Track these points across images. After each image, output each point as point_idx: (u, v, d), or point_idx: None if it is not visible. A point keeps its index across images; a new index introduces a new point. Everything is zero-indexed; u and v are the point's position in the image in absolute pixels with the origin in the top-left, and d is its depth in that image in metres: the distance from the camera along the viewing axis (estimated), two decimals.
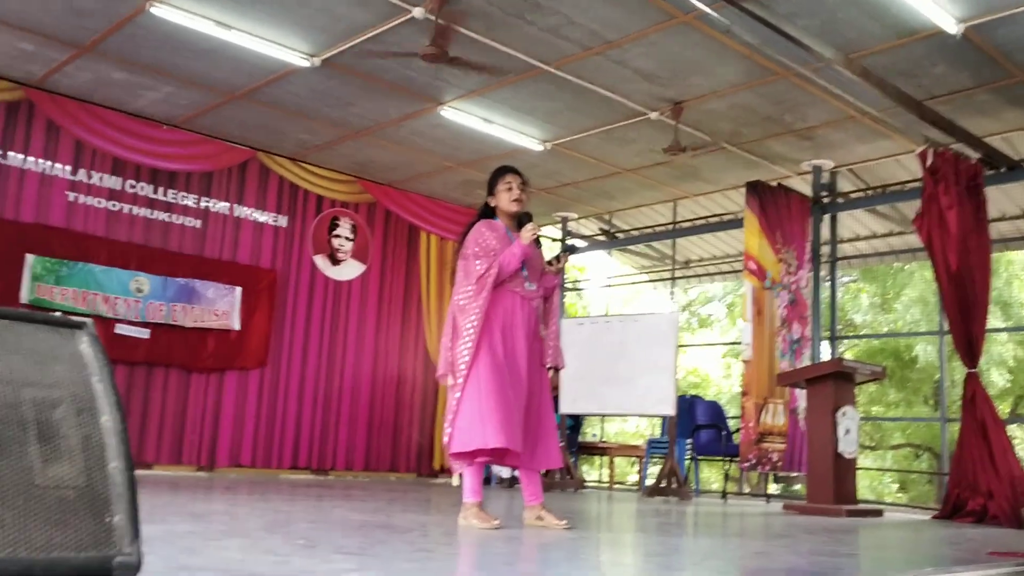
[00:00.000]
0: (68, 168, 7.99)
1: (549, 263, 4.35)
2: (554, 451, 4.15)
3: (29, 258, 7.57)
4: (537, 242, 4.23)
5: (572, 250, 4.51)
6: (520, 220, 4.28)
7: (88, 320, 1.60)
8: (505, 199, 4.28)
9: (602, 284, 12.27)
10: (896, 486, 17.62)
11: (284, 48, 6.83)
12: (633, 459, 13.07)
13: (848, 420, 6.63)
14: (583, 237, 11.57)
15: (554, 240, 11.32)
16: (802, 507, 6.74)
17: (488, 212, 4.35)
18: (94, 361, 1.54)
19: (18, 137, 7.76)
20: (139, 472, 6.53)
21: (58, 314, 1.55)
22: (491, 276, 4.07)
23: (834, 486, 6.51)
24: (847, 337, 16.64)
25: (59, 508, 1.36)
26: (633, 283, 14.23)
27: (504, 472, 9.05)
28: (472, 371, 3.97)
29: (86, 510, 1.39)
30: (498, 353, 4.02)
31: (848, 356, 15.86)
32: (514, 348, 4.09)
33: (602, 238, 11.35)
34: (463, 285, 4.13)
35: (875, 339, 16.95)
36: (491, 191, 4.35)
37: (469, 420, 3.91)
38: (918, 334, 15.53)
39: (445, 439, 4.01)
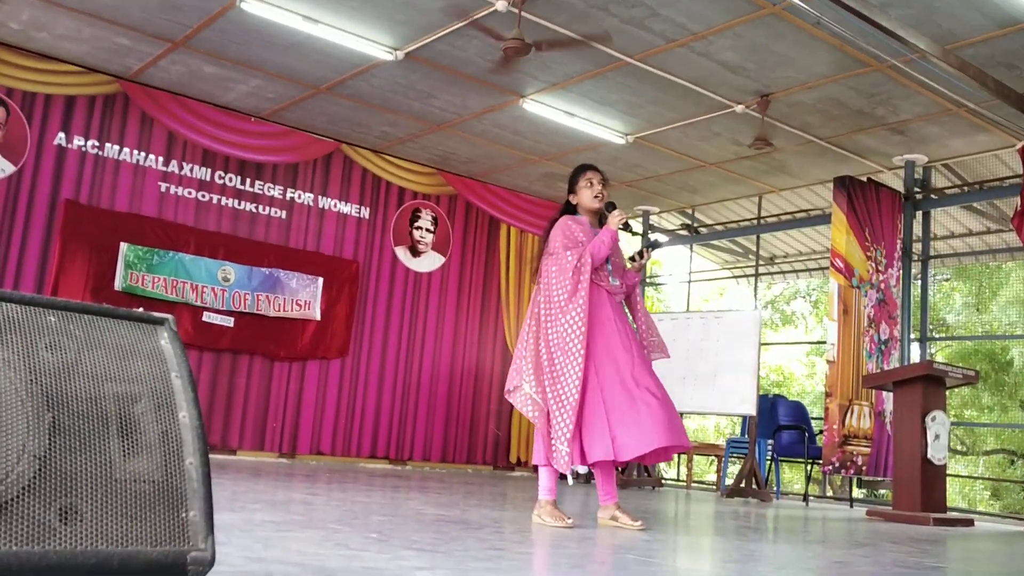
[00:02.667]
0: (161, 159, 8.24)
1: (631, 259, 4.29)
2: (675, 436, 3.94)
3: (123, 247, 7.84)
4: (627, 227, 4.17)
5: (655, 245, 4.41)
6: (603, 214, 4.25)
7: (169, 316, 1.63)
8: (587, 196, 4.27)
9: (683, 280, 12.11)
10: (988, 493, 17.00)
11: (368, 42, 6.91)
12: (712, 458, 12.89)
13: (938, 425, 6.41)
14: (665, 231, 11.44)
15: (635, 235, 11.22)
16: (887, 514, 6.55)
17: (569, 210, 4.33)
18: (173, 357, 1.57)
19: (114, 129, 8.03)
20: (223, 457, 6.72)
21: (140, 309, 1.59)
22: (586, 265, 4.00)
23: (921, 493, 6.31)
24: (939, 338, 16.09)
25: (136, 502, 1.39)
26: (715, 279, 14.01)
27: (582, 468, 9.00)
28: (589, 377, 3.90)
29: (162, 505, 1.42)
30: (610, 355, 3.97)
31: (939, 358, 15.37)
32: (611, 343, 4.01)
33: (684, 233, 11.20)
34: (557, 284, 4.01)
35: (968, 340, 16.36)
36: (572, 189, 4.34)
37: (599, 429, 3.85)
38: (1015, 337, 14.92)
39: (555, 446, 3.86)
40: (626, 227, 4.16)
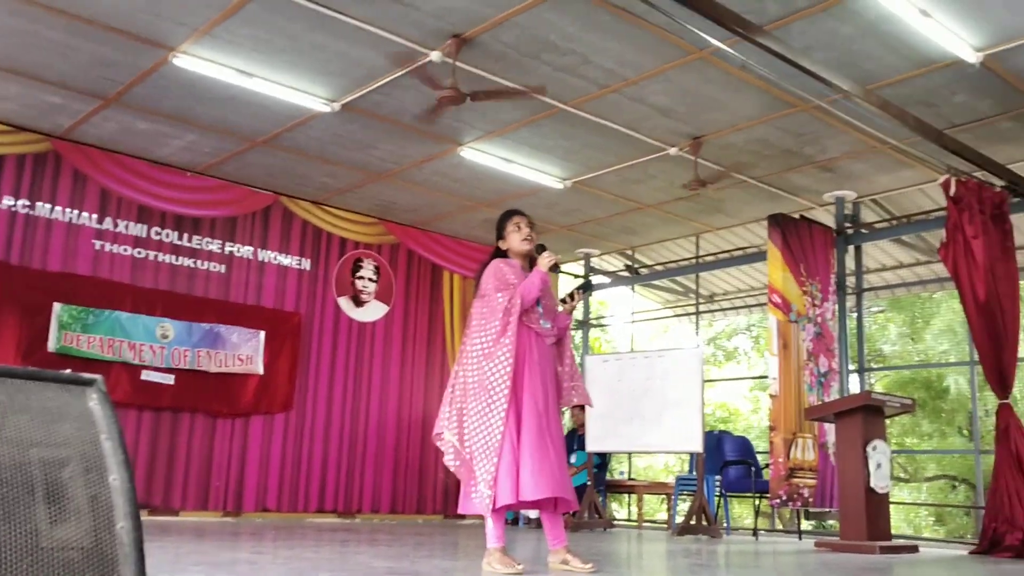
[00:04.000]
0: (94, 217, 8.10)
1: (563, 300, 4.31)
2: (572, 493, 4.09)
3: (56, 307, 7.65)
4: (556, 268, 4.18)
5: (588, 287, 4.40)
6: (533, 257, 4.27)
7: (98, 377, 1.59)
8: (516, 239, 4.28)
9: (626, 320, 12.20)
10: (933, 519, 17.26)
11: (304, 94, 6.91)
12: (662, 496, 12.90)
13: (879, 454, 6.51)
14: (606, 273, 11.55)
15: (575, 277, 11.30)
16: (834, 544, 6.61)
17: (499, 255, 4.34)
18: (103, 419, 1.53)
19: (45, 188, 7.88)
20: (166, 519, 6.53)
21: (68, 371, 1.55)
22: (515, 307, 4.01)
23: (867, 522, 6.37)
24: (876, 369, 16.41)
25: (65, 570, 1.34)
26: (658, 318, 14.15)
27: (532, 513, 8.95)
28: (508, 419, 3.90)
29: (93, 572, 1.37)
30: (532, 397, 3.98)
31: (878, 388, 15.66)
32: (534, 387, 4.02)
33: (625, 273, 11.32)
34: (484, 327, 4.05)
35: (905, 370, 16.72)
36: (500, 234, 4.35)
37: (511, 471, 3.85)
38: (949, 365, 15.30)
39: (478, 491, 3.88)
40: (555, 268, 4.17)
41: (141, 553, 1.41)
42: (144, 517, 7.63)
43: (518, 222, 4.29)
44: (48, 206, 7.87)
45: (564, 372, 4.27)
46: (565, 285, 10.97)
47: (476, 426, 3.95)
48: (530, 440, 3.90)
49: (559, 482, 3.94)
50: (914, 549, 6.92)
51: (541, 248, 4.22)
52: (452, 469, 4.01)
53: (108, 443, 1.49)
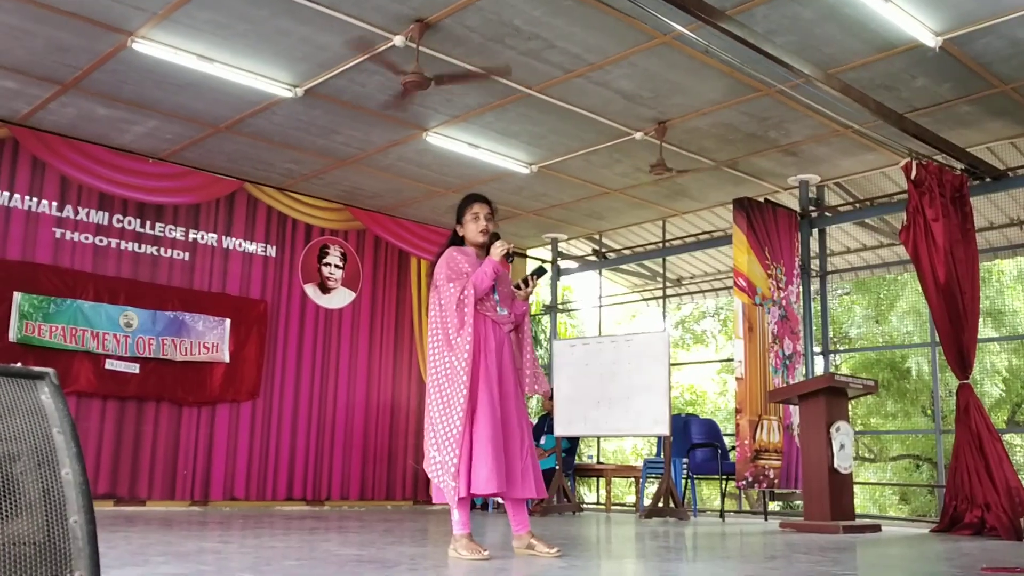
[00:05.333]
0: (54, 204, 7.98)
1: (517, 287, 4.28)
2: (539, 480, 4.11)
3: (17, 296, 7.54)
4: (509, 257, 4.17)
5: (541, 272, 4.39)
6: (488, 245, 4.24)
7: (50, 370, 1.58)
8: (472, 229, 4.25)
9: (594, 304, 12.25)
10: (897, 498, 17.55)
11: (267, 79, 6.84)
12: (631, 480, 13.00)
13: (842, 435, 6.61)
14: (574, 257, 11.57)
15: (543, 262, 11.32)
16: (799, 525, 6.71)
17: (457, 241, 4.33)
18: (55, 412, 1.52)
19: (3, 175, 7.75)
20: (132, 509, 6.48)
21: (19, 364, 1.54)
22: (469, 298, 4.01)
23: (830, 502, 6.48)
24: (841, 351, 16.62)
25: (17, 566, 1.33)
26: (625, 303, 14.21)
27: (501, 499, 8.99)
28: (467, 410, 3.91)
29: (45, 567, 1.36)
30: (487, 387, 3.99)
31: (844, 369, 15.87)
32: (490, 377, 4.03)
33: (593, 258, 11.35)
34: (443, 319, 4.06)
35: (870, 351, 16.94)
36: (459, 219, 4.32)
37: (472, 462, 3.88)
38: (910, 346, 15.51)
39: (443, 481, 3.92)
40: (508, 257, 4.15)
41: (95, 547, 1.41)
42: (110, 507, 7.62)
43: (477, 212, 4.25)
44: (7, 194, 7.74)
45: (525, 361, 4.28)
46: (528, 268, 10.99)
47: (439, 417, 3.97)
48: (483, 433, 3.92)
49: (514, 475, 3.97)
50: (877, 528, 7.04)
51: (495, 236, 4.20)
52: (431, 477, 4.03)
53: (60, 436, 1.49)
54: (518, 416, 4.12)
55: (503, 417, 4.02)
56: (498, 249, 4.12)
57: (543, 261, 11.33)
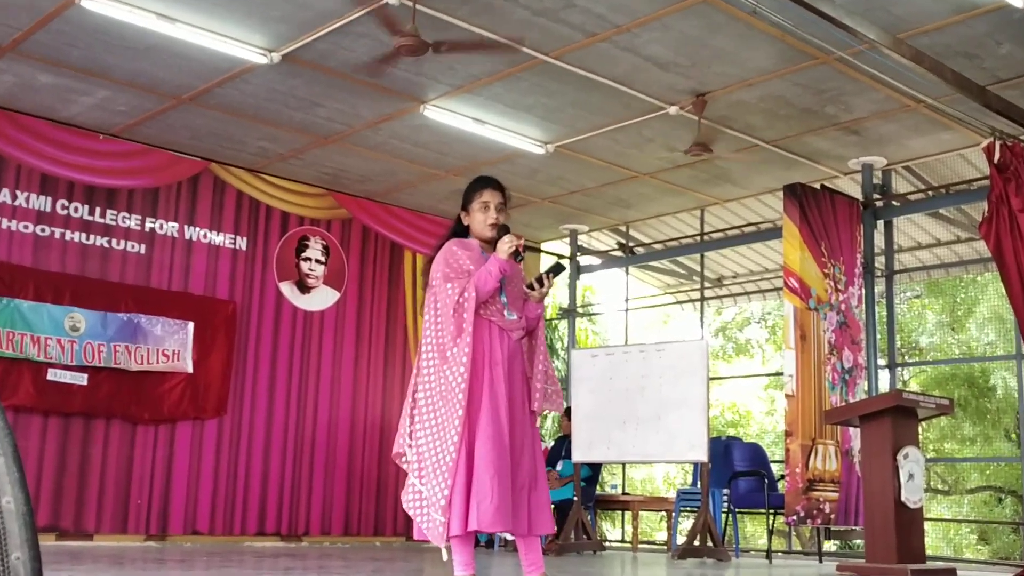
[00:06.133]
0: None
1: (530, 287, 4.16)
2: (547, 513, 4.09)
3: None
4: (518, 256, 4.05)
5: (558, 269, 4.29)
6: (497, 238, 4.12)
7: None
8: (479, 221, 4.15)
9: (620, 308, 12.27)
10: (975, 537, 17.51)
11: (237, 43, 6.88)
12: (661, 513, 13.01)
13: (911, 463, 6.59)
14: (596, 253, 11.59)
15: (560, 258, 11.34)
16: (860, 568, 6.70)
17: (461, 231, 4.25)
18: None
19: None
20: (78, 544, 6.51)
21: None
22: (469, 301, 3.93)
23: (896, 541, 6.45)
24: (910, 363, 16.60)
25: None
26: (657, 306, 14.23)
27: (508, 534, 9.01)
28: (463, 434, 3.86)
29: None
30: (492, 406, 3.96)
31: (912, 385, 15.84)
32: (495, 392, 3.98)
33: (619, 253, 11.36)
34: (438, 325, 4.02)
35: (944, 364, 16.91)
36: (465, 206, 4.23)
37: (471, 495, 3.85)
38: (993, 359, 15.48)
39: (429, 516, 3.90)
40: (517, 255, 4.03)
41: None
42: (52, 542, 7.67)
43: (487, 200, 4.14)
44: None
45: (537, 372, 4.22)
46: (543, 265, 11.01)
47: (428, 442, 3.93)
48: (486, 460, 3.85)
49: (521, 508, 3.96)
50: (952, 573, 7.03)
51: (504, 230, 4.08)
52: (407, 510, 4.02)
53: (0, 460, 1.50)
54: (530, 439, 4.09)
55: (511, 441, 3.97)
56: (505, 246, 3.99)
57: (560, 257, 11.35)
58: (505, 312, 4.07)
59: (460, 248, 4.12)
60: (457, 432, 3.84)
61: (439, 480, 3.85)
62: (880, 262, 9.24)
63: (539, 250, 11.78)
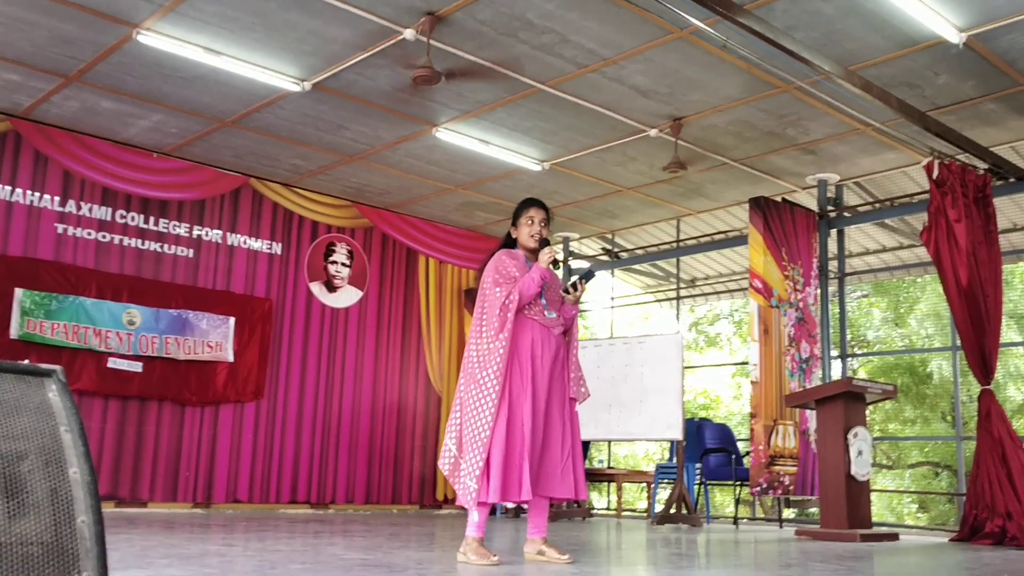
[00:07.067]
0: (57, 199, 8.02)
1: (566, 291, 4.35)
2: (580, 482, 4.14)
3: (18, 292, 7.58)
4: (556, 264, 4.24)
5: (590, 276, 4.45)
6: (539, 249, 4.33)
7: (57, 368, 1.59)
8: (524, 233, 4.34)
9: (606, 305, 12.25)
10: (916, 506, 17.49)
11: (274, 73, 6.86)
12: (642, 485, 13.00)
13: (860, 441, 6.59)
14: (586, 257, 11.57)
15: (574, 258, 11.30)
16: (815, 532, 6.69)
17: (510, 244, 4.42)
18: (63, 410, 1.53)
19: (5, 169, 7.79)
20: (133, 511, 6.50)
21: (26, 362, 1.54)
22: (513, 303, 4.09)
23: (847, 510, 6.46)
24: (859, 355, 16.58)
25: (24, 566, 1.34)
26: (638, 303, 14.20)
27: (509, 503, 9.00)
28: (500, 416, 3.97)
29: (53, 568, 1.37)
30: (525, 392, 4.02)
31: (862, 373, 15.82)
32: (536, 380, 4.09)
33: (605, 257, 11.35)
34: (487, 323, 4.13)
35: (889, 355, 16.89)
36: (514, 223, 4.42)
37: (501, 469, 3.93)
38: (931, 350, 15.46)
39: (463, 483, 3.96)
40: (555, 264, 4.24)
41: (103, 548, 1.41)
42: (111, 509, 7.65)
43: (532, 215, 4.33)
44: (8, 188, 7.78)
45: (572, 363, 4.34)
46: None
47: (470, 419, 4.03)
48: (517, 438, 3.97)
49: (551, 475, 4.05)
50: (894, 537, 7.02)
51: (544, 243, 4.28)
52: (444, 472, 4.11)
53: (68, 435, 1.50)
54: (569, 419, 4.18)
55: (547, 421, 4.09)
56: (545, 256, 4.19)
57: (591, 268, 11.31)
58: (545, 312, 4.23)
59: (508, 257, 4.30)
60: (492, 413, 3.96)
61: (476, 453, 3.96)
62: (833, 266, 9.23)
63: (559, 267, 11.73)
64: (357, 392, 9.74)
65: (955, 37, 5.90)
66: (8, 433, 1.43)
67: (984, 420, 6.73)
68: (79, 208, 8.14)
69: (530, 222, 4.32)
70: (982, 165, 7.34)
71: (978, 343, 6.80)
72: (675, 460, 8.48)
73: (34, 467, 1.43)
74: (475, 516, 4.01)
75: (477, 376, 4.06)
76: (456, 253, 10.73)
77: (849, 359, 9.88)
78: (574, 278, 4.44)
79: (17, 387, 1.51)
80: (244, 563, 3.79)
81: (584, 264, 11.28)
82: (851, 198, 9.27)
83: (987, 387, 6.81)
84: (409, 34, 6.10)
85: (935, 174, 6.99)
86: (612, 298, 12.01)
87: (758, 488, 7.88)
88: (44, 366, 1.57)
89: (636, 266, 11.75)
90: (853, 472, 6.50)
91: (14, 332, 7.51)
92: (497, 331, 4.07)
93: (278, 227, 9.43)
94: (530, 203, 4.41)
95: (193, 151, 8.59)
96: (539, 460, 4.05)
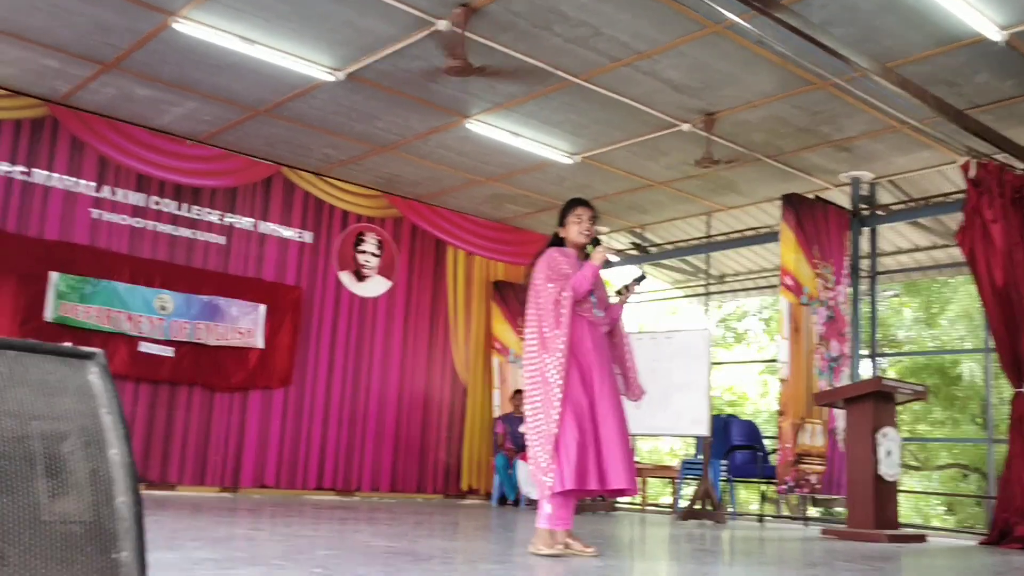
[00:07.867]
0: (92, 185, 8.12)
1: (619, 292, 4.43)
2: (630, 472, 4.16)
3: (53, 276, 7.68)
4: (608, 263, 4.30)
5: (642, 279, 4.50)
6: (589, 245, 4.39)
7: (98, 351, 1.62)
8: (574, 231, 4.39)
9: (634, 300, 12.21)
10: (943, 508, 17.32)
11: (308, 62, 6.90)
12: (667, 480, 12.97)
13: (889, 441, 6.54)
14: (614, 251, 11.54)
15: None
16: (841, 532, 6.65)
17: (558, 242, 4.46)
18: (103, 392, 1.55)
19: (43, 154, 7.89)
20: (163, 493, 6.59)
21: (68, 344, 1.57)
22: (567, 299, 4.13)
23: (875, 510, 6.41)
24: (889, 354, 16.41)
25: (65, 544, 1.37)
26: (666, 299, 14.15)
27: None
28: (566, 410, 4.03)
29: (93, 546, 1.40)
30: (584, 386, 4.10)
31: (891, 373, 15.67)
32: (587, 376, 4.14)
33: (634, 252, 11.31)
34: (540, 318, 4.16)
35: (919, 356, 16.72)
36: (561, 222, 4.46)
37: (574, 458, 3.99)
38: (963, 352, 15.29)
39: (548, 476, 4.01)
40: (608, 263, 4.30)
41: (141, 528, 1.44)
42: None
43: (580, 214, 4.39)
44: (45, 173, 7.89)
45: (626, 363, 4.43)
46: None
47: (535, 415, 4.10)
48: (579, 432, 4.03)
49: (607, 468, 4.07)
50: (921, 539, 6.96)
51: (596, 242, 4.33)
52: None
53: (108, 417, 1.52)
54: (619, 412, 4.22)
55: (601, 414, 4.14)
56: (599, 255, 4.25)
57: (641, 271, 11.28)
58: (595, 310, 4.30)
59: (560, 255, 4.35)
60: (558, 409, 4.03)
61: (544, 447, 4.03)
62: (865, 264, 9.14)
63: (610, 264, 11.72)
64: (384, 381, 9.78)
65: (996, 35, 5.82)
66: (50, 414, 1.46)
67: (1017, 423, 6.65)
68: (114, 193, 8.24)
69: (579, 220, 4.38)
70: (1020, 165, 7.24)
71: (1012, 345, 6.72)
72: (701, 456, 8.45)
73: (75, 448, 1.46)
74: (547, 508, 4.07)
75: (539, 375, 4.11)
76: (485, 245, 10.74)
77: (879, 359, 9.79)
78: (626, 281, 4.49)
79: (59, 369, 1.53)
80: (272, 547, 3.83)
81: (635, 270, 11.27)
82: (885, 196, 9.18)
83: (1020, 390, 6.73)
84: (443, 25, 6.10)
85: (972, 173, 6.90)
86: (640, 292, 11.95)
87: (784, 486, 7.84)
88: (86, 348, 1.59)
89: (665, 261, 11.69)
90: (881, 472, 6.44)
91: (48, 315, 7.62)
92: (552, 327, 4.13)
93: (309, 216, 9.49)
94: (577, 202, 4.47)
95: (226, 139, 8.65)
96: (600, 452, 4.09)
